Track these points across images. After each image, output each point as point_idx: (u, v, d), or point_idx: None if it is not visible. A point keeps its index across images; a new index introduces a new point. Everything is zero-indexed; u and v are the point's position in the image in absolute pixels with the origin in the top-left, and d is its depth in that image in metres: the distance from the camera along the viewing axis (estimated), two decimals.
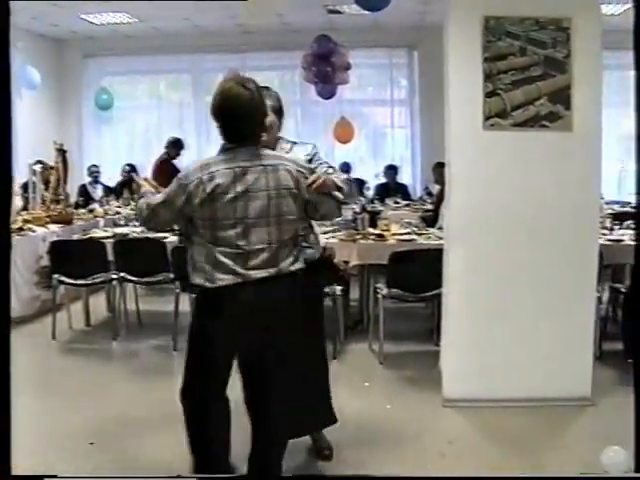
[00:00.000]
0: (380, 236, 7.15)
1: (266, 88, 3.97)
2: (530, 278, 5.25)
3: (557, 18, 5.09)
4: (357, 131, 12.16)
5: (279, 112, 4.13)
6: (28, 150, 10.59)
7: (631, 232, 7.35)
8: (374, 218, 7.73)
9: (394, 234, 7.20)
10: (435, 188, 10.39)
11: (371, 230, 7.31)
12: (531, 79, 5.12)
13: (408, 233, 7.24)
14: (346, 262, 6.86)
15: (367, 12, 10.18)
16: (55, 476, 3.89)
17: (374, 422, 5.14)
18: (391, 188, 11.32)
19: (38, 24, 11.61)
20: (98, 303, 8.08)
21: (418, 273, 6.21)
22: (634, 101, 3.70)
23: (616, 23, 11.78)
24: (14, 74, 10.05)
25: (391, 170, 11.67)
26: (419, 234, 7.24)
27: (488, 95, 5.11)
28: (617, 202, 10.51)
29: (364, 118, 13.12)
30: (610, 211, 9.13)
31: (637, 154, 3.78)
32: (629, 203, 10.28)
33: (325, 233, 7.16)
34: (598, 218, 5.55)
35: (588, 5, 5.14)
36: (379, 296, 6.43)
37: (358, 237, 7.14)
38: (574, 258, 5.23)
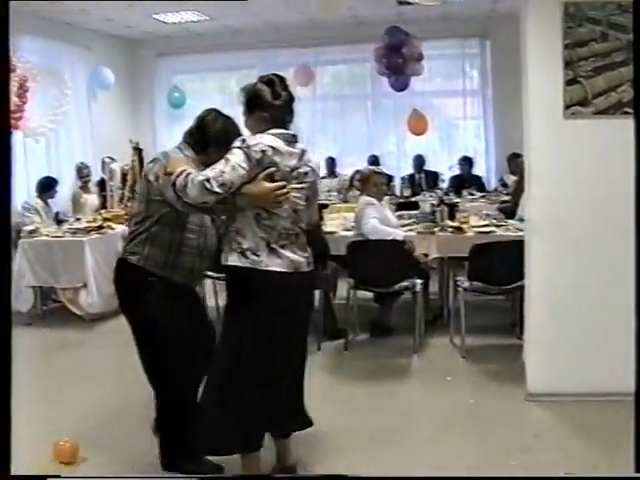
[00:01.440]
0: (459, 228, 7.08)
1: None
2: (615, 270, 5.10)
3: None
4: (430, 123, 12.04)
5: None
6: (103, 149, 10.78)
7: None
8: (452, 210, 7.64)
9: (473, 226, 7.13)
10: (510, 179, 10.28)
11: (450, 222, 7.24)
12: (613, 65, 4.99)
13: (487, 225, 7.15)
14: (425, 255, 6.82)
15: (437, 2, 10.16)
16: (58, 476, 3.95)
17: (457, 416, 5.10)
18: (466, 180, 11.20)
19: (112, 25, 11.80)
20: None
21: (499, 265, 6.12)
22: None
23: None
24: (89, 75, 10.32)
25: (465, 162, 11.54)
26: (498, 226, 7.15)
27: (568, 83, 5.00)
28: None
29: (435, 110, 12.99)
30: None
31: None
32: None
33: (403, 226, 7.15)
34: None
35: None
36: (460, 289, 6.38)
37: (437, 229, 7.09)
38: None
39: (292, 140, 3.82)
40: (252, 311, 3.69)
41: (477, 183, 11.22)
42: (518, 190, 7.52)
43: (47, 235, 8.23)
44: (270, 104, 3.84)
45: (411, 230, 7.07)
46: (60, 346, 7.26)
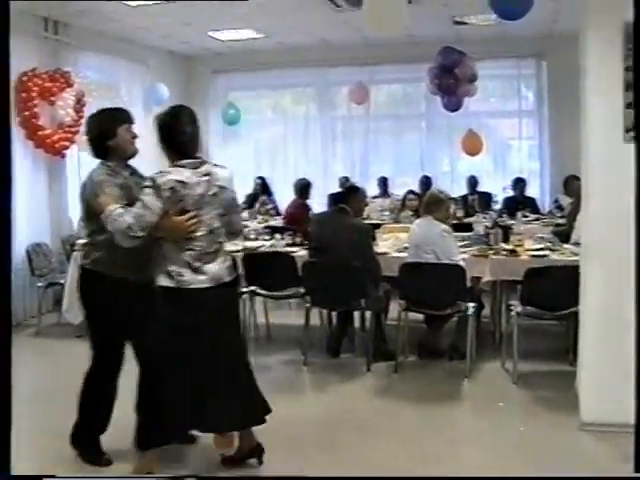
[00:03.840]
0: (513, 251, 6.97)
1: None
2: None
3: None
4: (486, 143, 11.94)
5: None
6: (159, 165, 10.82)
7: None
8: (506, 233, 7.53)
9: (527, 249, 7.01)
10: (566, 201, 10.10)
11: (504, 245, 7.13)
12: None
13: (542, 249, 7.02)
14: (478, 278, 6.73)
15: (494, 22, 10.07)
16: (54, 476, 4.00)
17: (508, 444, 5.01)
18: (519, 201, 11.01)
19: (169, 42, 11.92)
20: None
21: (554, 290, 6.01)
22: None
23: None
24: (145, 91, 10.37)
25: (520, 183, 11.38)
26: (553, 250, 7.01)
27: (629, 106, 4.89)
28: None
29: (490, 130, 12.88)
30: None
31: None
32: None
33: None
34: None
35: None
36: (513, 313, 6.26)
37: (490, 252, 6.98)
38: None
39: (199, 166, 4.21)
40: (175, 321, 4.17)
41: (531, 205, 11.05)
42: (574, 213, 7.39)
43: None
44: (175, 137, 4.23)
45: (465, 253, 6.95)
46: None
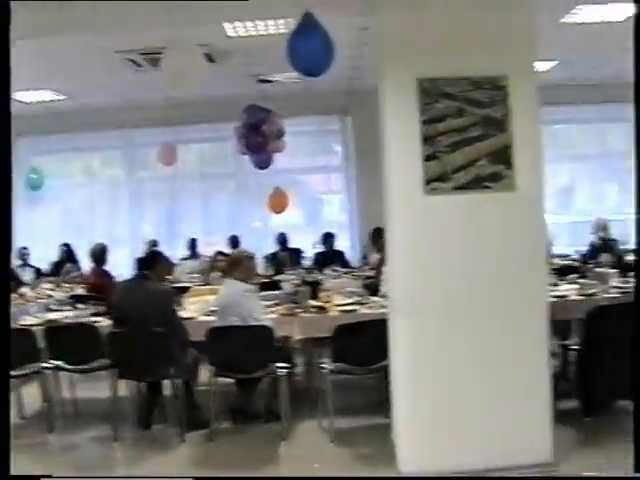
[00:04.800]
0: (321, 308, 6.91)
1: None
2: (479, 344, 5.08)
3: (493, 77, 5.01)
4: (294, 200, 12.02)
5: None
6: None
7: (575, 286, 7.26)
8: (315, 289, 7.49)
9: (336, 305, 6.97)
10: (373, 255, 10.21)
11: (312, 302, 7.06)
12: (470, 140, 5.00)
13: (351, 304, 7.01)
14: (288, 337, 6.62)
15: (298, 80, 10.16)
16: (49, 476, 4.08)
17: None
18: (329, 256, 11.11)
19: None
20: (32, 393, 7.60)
21: (364, 345, 5.97)
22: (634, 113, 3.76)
23: (545, 80, 12.04)
24: None
25: (329, 238, 11.47)
26: (362, 304, 7.01)
27: (427, 159, 4.97)
28: (558, 255, 10.45)
29: (301, 186, 13.02)
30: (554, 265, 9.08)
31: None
32: (568, 255, 10.25)
33: (265, 307, 6.94)
34: (546, 277, 5.38)
35: (522, 63, 5.07)
36: (324, 371, 6.17)
37: (299, 311, 6.88)
38: (523, 322, 5.10)
39: None
40: None
41: (340, 259, 11.15)
42: (380, 265, 7.44)
43: None
44: None
45: (272, 312, 6.85)
46: None
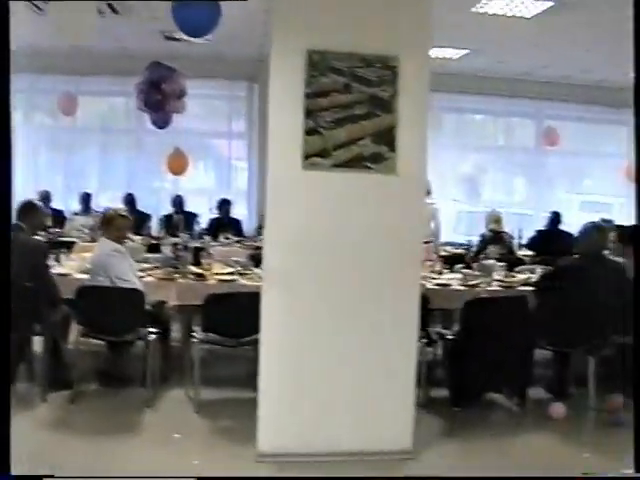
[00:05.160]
0: (201, 275, 6.77)
1: None
2: (349, 325, 5.03)
3: (384, 56, 4.91)
4: (197, 163, 11.82)
5: None
6: None
7: (459, 276, 7.29)
8: (197, 255, 7.34)
9: (216, 274, 6.83)
10: None
11: (193, 269, 6.90)
12: (355, 117, 4.90)
13: (231, 273, 6.88)
14: (162, 302, 6.48)
15: (206, 42, 9.93)
16: (52, 476, 3.88)
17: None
18: (224, 223, 10.94)
19: None
20: None
21: (236, 316, 5.86)
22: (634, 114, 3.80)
23: (455, 67, 12.10)
24: None
25: (225, 204, 11.29)
26: (243, 274, 6.90)
27: (308, 133, 4.85)
28: (452, 244, 10.51)
29: (203, 149, 12.80)
30: (444, 253, 9.13)
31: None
32: (463, 245, 10.32)
33: (142, 270, 6.77)
34: (420, 263, 5.32)
35: (415, 45, 4.99)
36: (194, 340, 6.05)
37: (177, 276, 6.73)
38: (395, 304, 5.07)
39: None
40: None
41: (235, 227, 11.00)
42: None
43: None
44: None
45: (150, 276, 6.69)
46: None
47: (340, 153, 4.88)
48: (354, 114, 4.90)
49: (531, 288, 6.73)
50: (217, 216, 11.24)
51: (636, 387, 3.88)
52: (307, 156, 4.85)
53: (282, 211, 4.96)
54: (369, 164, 4.91)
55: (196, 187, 12.77)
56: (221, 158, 13.27)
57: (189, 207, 11.62)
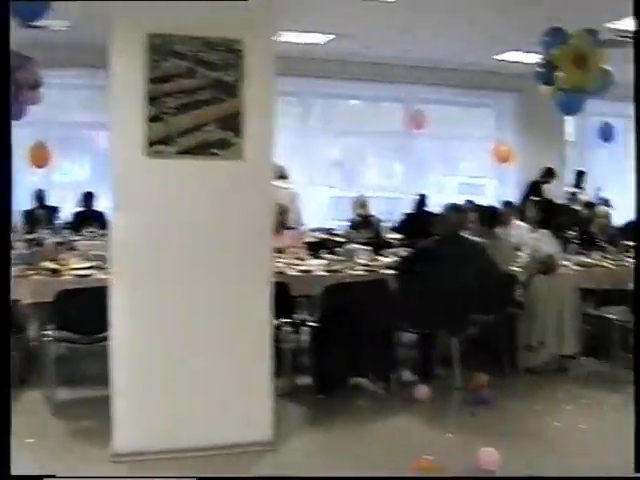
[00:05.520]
0: (56, 271, 6.50)
1: None
2: (199, 316, 4.93)
3: (228, 39, 4.79)
4: (69, 155, 11.44)
5: None
6: None
7: (323, 262, 7.24)
8: (55, 250, 7.07)
9: (72, 269, 6.58)
10: None
11: (47, 264, 6.62)
12: (199, 103, 4.77)
13: (89, 268, 6.64)
14: (16, 301, 6.20)
15: (67, 27, 9.59)
16: (53, 476, 3.81)
17: None
18: (88, 216, 10.62)
19: None
20: None
21: (89, 312, 5.61)
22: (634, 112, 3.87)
23: (322, 52, 12.06)
24: None
25: (88, 197, 10.97)
26: (102, 269, 6.66)
27: (151, 120, 4.69)
28: (320, 229, 10.45)
29: (80, 142, 12.47)
30: (312, 239, 9.07)
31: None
32: (330, 229, 10.29)
33: None
34: (271, 248, 5.20)
35: (259, 28, 4.87)
36: (46, 339, 5.82)
37: (31, 273, 6.44)
38: (246, 294, 4.98)
39: None
40: None
41: (99, 220, 10.67)
42: None
43: None
44: None
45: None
46: None
47: (184, 140, 4.75)
48: (198, 99, 4.77)
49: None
50: (81, 209, 10.91)
51: (636, 387, 3.87)
52: (151, 143, 4.70)
53: (125, 200, 4.78)
54: (215, 150, 4.80)
55: (69, 180, 12.36)
56: (98, 150, 12.90)
57: (58, 201, 11.32)
